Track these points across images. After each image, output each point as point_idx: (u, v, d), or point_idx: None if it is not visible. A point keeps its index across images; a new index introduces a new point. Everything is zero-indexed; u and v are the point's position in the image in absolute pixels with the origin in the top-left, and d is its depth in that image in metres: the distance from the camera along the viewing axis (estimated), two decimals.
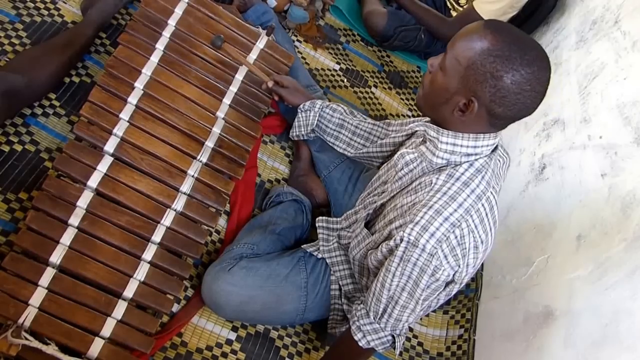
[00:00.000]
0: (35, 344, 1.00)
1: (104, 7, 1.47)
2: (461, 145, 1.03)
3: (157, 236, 1.19)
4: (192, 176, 1.27)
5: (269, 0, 1.77)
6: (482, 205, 1.02)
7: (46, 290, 1.06)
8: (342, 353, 1.23)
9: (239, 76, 1.43)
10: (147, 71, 1.31)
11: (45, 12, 1.46)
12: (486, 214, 1.02)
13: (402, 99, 2.04)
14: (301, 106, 1.40)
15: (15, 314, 1.02)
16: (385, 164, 1.29)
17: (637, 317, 1.08)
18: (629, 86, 1.38)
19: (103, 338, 1.07)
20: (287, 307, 1.28)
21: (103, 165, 1.18)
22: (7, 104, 1.21)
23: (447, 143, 1.04)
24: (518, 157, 1.72)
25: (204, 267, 1.29)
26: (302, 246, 1.34)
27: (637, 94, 1.34)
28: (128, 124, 1.24)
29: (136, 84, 1.29)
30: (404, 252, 1.01)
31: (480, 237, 1.02)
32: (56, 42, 1.36)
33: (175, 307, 1.25)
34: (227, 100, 1.39)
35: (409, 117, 2.01)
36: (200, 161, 1.30)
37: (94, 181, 1.16)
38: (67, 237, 1.10)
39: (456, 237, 0.99)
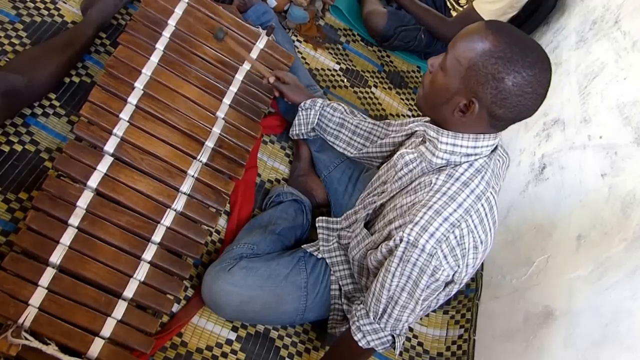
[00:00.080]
0: (35, 344, 1.00)
1: (104, 7, 1.47)
2: (461, 146, 1.03)
3: (157, 236, 1.19)
4: (192, 176, 1.27)
5: (269, 0, 1.77)
6: (482, 205, 1.02)
7: (46, 290, 1.06)
8: (342, 353, 1.23)
9: (239, 76, 1.43)
10: (147, 71, 1.31)
11: (45, 12, 1.46)
12: (486, 214, 1.02)
13: (402, 99, 2.04)
14: (302, 104, 1.39)
15: (15, 314, 1.02)
16: (385, 164, 1.28)
17: (637, 317, 1.08)
18: (629, 86, 1.38)
19: (103, 338, 1.07)
20: (287, 307, 1.28)
21: (103, 165, 1.18)
22: (7, 104, 1.21)
23: (446, 143, 1.03)
24: (518, 157, 1.71)
25: (204, 267, 1.29)
26: (302, 246, 1.34)
27: (637, 94, 1.34)
28: (128, 124, 1.25)
29: (136, 84, 1.29)
30: (403, 252, 1.01)
31: (479, 237, 1.02)
32: (56, 42, 1.36)
33: (175, 307, 1.25)
34: (227, 100, 1.39)
35: (409, 117, 2.01)
36: (200, 161, 1.30)
37: (94, 181, 1.17)
38: (67, 237, 1.10)
39: (456, 238, 0.99)
